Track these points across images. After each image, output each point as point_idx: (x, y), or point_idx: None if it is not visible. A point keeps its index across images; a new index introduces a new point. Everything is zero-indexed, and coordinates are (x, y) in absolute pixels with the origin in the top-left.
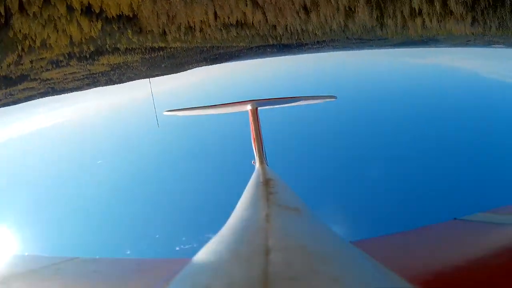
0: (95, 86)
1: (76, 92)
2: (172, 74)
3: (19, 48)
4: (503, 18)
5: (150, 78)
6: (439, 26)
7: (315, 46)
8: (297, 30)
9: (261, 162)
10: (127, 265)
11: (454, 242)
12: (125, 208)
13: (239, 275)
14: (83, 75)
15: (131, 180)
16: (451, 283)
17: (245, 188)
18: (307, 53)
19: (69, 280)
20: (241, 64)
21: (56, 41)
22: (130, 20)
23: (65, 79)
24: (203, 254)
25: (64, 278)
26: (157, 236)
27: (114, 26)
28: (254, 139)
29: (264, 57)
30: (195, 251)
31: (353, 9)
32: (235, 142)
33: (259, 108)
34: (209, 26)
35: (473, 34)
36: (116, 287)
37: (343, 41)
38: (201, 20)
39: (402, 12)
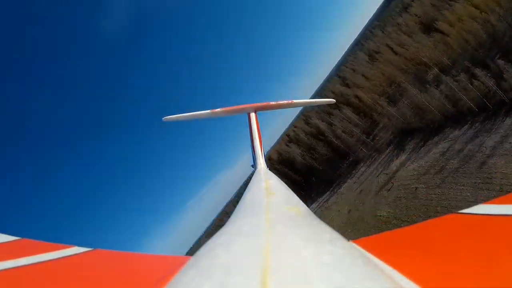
0: None
1: None
2: None
3: None
4: None
5: None
6: None
7: None
8: None
9: (261, 163)
10: (127, 258)
11: (455, 237)
12: None
13: (238, 277)
14: None
15: None
16: (453, 278)
17: (245, 188)
18: None
19: (69, 270)
20: None
21: None
22: None
23: None
24: (203, 254)
25: (64, 267)
26: None
27: None
28: (253, 142)
29: None
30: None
31: None
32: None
33: (257, 111)
34: None
35: None
36: (116, 279)
37: None
38: None
39: None
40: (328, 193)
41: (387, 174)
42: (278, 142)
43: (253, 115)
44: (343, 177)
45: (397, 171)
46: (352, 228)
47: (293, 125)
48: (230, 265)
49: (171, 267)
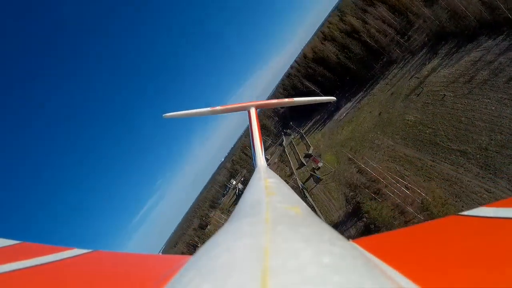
0: None
1: None
2: None
3: None
4: None
5: None
6: None
7: None
8: None
9: (261, 161)
10: (127, 259)
11: (455, 238)
12: None
13: (238, 277)
14: None
15: None
16: (453, 279)
17: (245, 188)
18: None
19: (70, 271)
20: None
21: None
22: None
23: None
24: (203, 254)
25: (65, 269)
26: None
27: None
28: (253, 139)
29: None
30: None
31: None
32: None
33: (258, 109)
34: None
35: None
36: (116, 280)
37: None
38: None
39: None
40: (361, 93)
41: (418, 78)
42: (312, 39)
43: (253, 112)
44: (376, 78)
45: (428, 76)
46: (381, 130)
47: (327, 21)
48: (230, 265)
49: (171, 267)
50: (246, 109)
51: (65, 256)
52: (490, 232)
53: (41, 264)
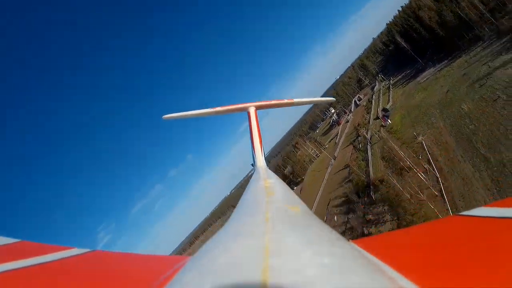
0: None
1: None
2: None
3: None
4: None
5: None
6: None
7: None
8: None
9: (261, 162)
10: (127, 259)
11: (455, 238)
12: None
13: (238, 277)
14: None
15: None
16: (453, 279)
17: (245, 188)
18: None
19: (70, 271)
20: None
21: None
22: None
23: None
24: (203, 254)
25: (65, 269)
26: None
27: None
28: (253, 140)
29: None
30: None
31: None
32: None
33: (258, 109)
34: None
35: None
36: (116, 280)
37: None
38: None
39: None
40: (445, 61)
41: (489, 67)
42: None
43: (253, 113)
44: (462, 50)
45: (497, 68)
46: (441, 110)
47: None
48: (230, 265)
49: (171, 267)
50: (246, 109)
51: (65, 256)
52: (490, 232)
53: (41, 264)
